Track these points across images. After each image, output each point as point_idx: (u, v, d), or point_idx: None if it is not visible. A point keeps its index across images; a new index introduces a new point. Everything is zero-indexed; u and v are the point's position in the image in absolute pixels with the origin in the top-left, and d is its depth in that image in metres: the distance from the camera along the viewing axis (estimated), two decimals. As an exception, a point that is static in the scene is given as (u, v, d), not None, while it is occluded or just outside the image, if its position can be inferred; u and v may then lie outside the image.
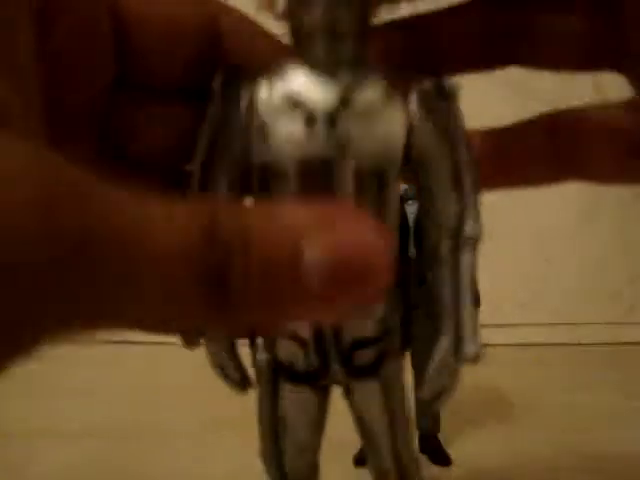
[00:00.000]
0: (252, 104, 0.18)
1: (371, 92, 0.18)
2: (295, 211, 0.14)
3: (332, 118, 0.18)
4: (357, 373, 0.23)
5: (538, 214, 2.31)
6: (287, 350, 0.23)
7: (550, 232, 2.38)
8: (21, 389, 1.95)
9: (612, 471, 1.40)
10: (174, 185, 0.20)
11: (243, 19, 0.20)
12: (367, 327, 0.22)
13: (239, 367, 0.24)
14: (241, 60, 0.19)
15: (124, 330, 0.13)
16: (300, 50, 0.18)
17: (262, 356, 0.24)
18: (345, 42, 0.17)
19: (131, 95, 0.19)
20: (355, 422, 0.25)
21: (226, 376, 0.24)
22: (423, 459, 1.44)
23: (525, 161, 0.21)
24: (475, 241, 0.20)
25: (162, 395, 1.78)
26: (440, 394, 0.23)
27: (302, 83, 0.18)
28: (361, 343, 0.22)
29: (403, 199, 1.42)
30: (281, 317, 0.15)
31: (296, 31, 0.18)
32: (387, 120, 0.18)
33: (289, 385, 0.24)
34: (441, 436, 1.42)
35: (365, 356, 0.23)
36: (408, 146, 0.19)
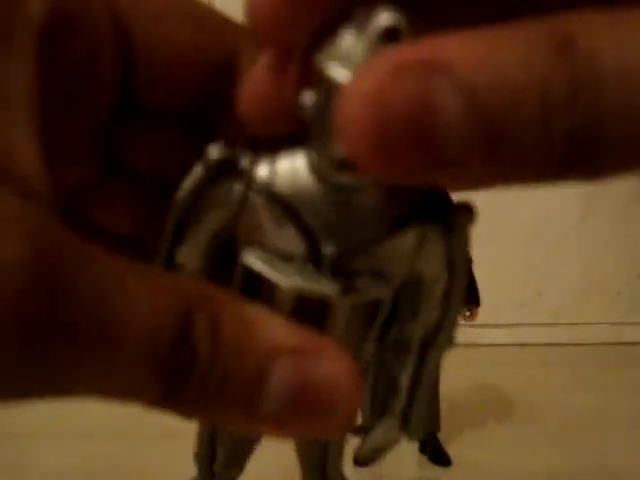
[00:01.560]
0: (245, 197, 0.17)
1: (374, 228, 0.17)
2: (275, 328, 0.14)
3: (337, 260, 0.17)
4: None
5: (538, 214, 2.31)
6: None
7: (550, 232, 2.38)
8: None
9: (612, 471, 1.40)
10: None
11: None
12: None
13: None
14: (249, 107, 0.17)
15: (75, 396, 0.13)
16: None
17: None
18: None
19: (135, 119, 0.19)
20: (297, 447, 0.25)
21: None
22: (423, 459, 1.44)
23: None
24: (445, 350, 0.20)
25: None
26: (377, 452, 0.23)
27: (305, 198, 0.17)
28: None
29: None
30: (231, 425, 0.15)
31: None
32: (389, 256, 0.17)
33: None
34: (441, 436, 1.42)
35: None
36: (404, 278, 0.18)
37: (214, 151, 0.17)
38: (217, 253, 0.18)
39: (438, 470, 1.40)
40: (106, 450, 1.45)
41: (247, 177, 0.17)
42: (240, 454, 0.21)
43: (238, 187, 0.17)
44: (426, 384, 0.20)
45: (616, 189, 2.32)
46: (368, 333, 0.18)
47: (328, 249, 0.16)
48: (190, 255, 0.18)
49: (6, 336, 0.11)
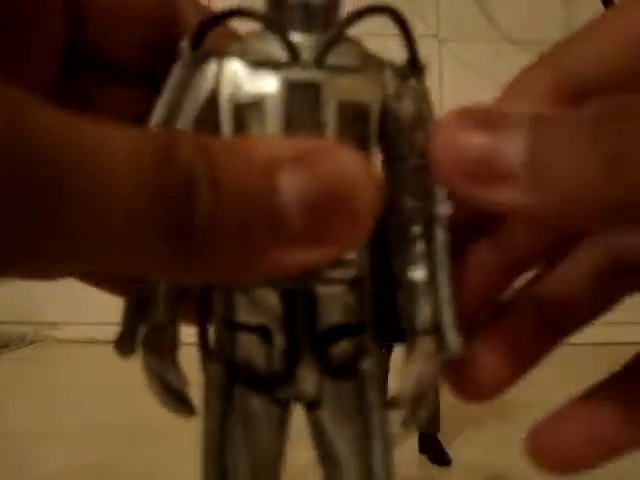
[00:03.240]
0: (220, 75, 0.17)
1: (347, 54, 0.18)
2: (269, 143, 0.12)
3: (318, 58, 0.17)
4: (332, 371, 0.19)
5: (538, 214, 2.30)
6: (245, 346, 0.20)
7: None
8: (21, 389, 1.95)
9: (612, 470, 1.40)
10: None
11: (198, 5, 0.18)
12: (343, 311, 0.19)
13: (179, 376, 0.21)
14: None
15: (78, 270, 0.11)
16: (273, 17, 0.17)
17: (215, 368, 0.21)
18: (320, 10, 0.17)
19: (85, 76, 0.18)
20: (317, 445, 0.21)
21: (164, 385, 0.21)
22: (423, 459, 1.44)
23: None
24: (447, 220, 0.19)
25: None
26: (419, 397, 0.21)
27: (278, 47, 0.17)
28: (338, 331, 0.19)
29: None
30: (256, 262, 0.12)
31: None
32: (365, 80, 0.18)
33: (243, 390, 0.20)
34: (441, 436, 1.42)
35: (341, 349, 0.19)
36: (383, 115, 0.18)
37: (185, 42, 0.17)
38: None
39: (438, 470, 1.40)
40: (107, 450, 1.45)
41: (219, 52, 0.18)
42: (265, 458, 0.18)
43: (213, 66, 0.17)
44: (446, 275, 0.18)
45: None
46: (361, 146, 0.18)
47: (307, 54, 0.17)
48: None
49: None
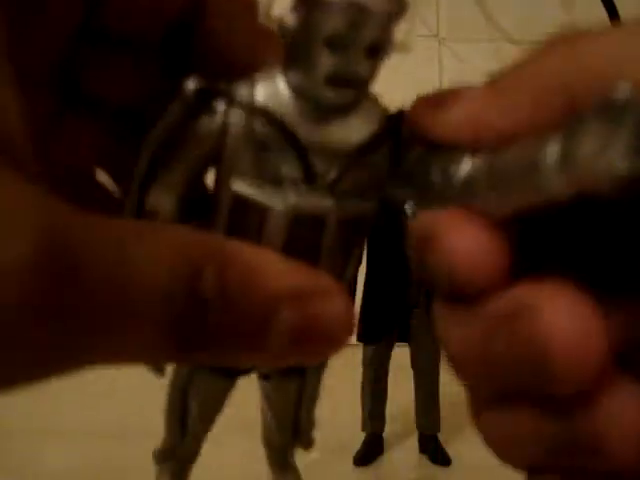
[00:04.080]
0: (227, 120, 0.17)
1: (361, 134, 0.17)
2: (277, 271, 0.14)
3: (335, 180, 0.17)
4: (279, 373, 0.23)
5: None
6: None
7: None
8: (21, 389, 1.95)
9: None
10: (129, 139, 0.19)
11: None
12: None
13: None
14: (216, 39, 0.17)
15: (91, 365, 0.13)
16: (294, 67, 0.16)
17: None
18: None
19: (100, 47, 0.18)
20: (263, 401, 0.27)
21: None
22: (423, 459, 1.44)
23: None
24: None
25: (163, 395, 1.78)
26: None
27: (294, 114, 0.16)
28: None
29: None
30: (241, 364, 0.16)
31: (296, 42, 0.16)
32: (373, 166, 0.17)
33: (205, 375, 0.24)
34: (441, 436, 1.42)
35: None
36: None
37: (191, 83, 0.16)
38: (191, 197, 0.17)
39: (438, 470, 1.40)
40: (107, 450, 1.45)
41: (228, 95, 0.16)
42: (214, 405, 0.22)
43: (219, 108, 0.16)
44: None
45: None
46: (352, 253, 0.18)
47: (321, 167, 0.16)
48: (164, 198, 0.17)
49: (13, 318, 0.11)
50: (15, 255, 0.11)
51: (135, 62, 0.18)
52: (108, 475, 1.37)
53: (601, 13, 1.64)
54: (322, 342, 0.15)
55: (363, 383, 1.47)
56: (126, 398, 1.73)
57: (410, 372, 1.23)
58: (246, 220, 0.17)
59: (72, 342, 0.12)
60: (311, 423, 0.25)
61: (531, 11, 2.27)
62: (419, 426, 1.43)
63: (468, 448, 1.42)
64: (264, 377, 0.22)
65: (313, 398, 0.24)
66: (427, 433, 1.43)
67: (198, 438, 0.25)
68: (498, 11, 2.30)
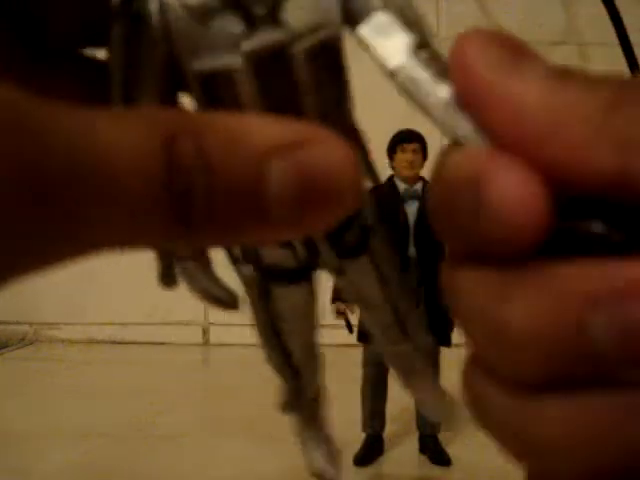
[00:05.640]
0: (165, 10, 0.17)
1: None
2: (260, 128, 0.13)
3: (274, 14, 0.17)
4: (348, 253, 0.23)
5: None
6: (272, 255, 0.23)
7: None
8: (21, 389, 1.96)
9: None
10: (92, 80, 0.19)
11: None
12: None
13: (222, 286, 0.24)
14: None
15: (86, 254, 0.13)
16: None
17: (246, 269, 0.24)
18: None
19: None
20: (352, 296, 0.26)
21: (212, 298, 0.24)
22: (423, 459, 1.44)
23: None
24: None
25: (162, 395, 1.78)
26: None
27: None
28: (346, 223, 0.22)
29: (403, 199, 1.42)
30: (242, 237, 0.14)
31: None
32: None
33: (280, 288, 0.24)
34: (441, 436, 1.42)
35: (352, 235, 0.23)
36: None
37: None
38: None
39: (438, 470, 1.40)
40: (106, 450, 1.45)
41: None
42: (307, 323, 0.22)
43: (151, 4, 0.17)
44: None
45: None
46: (335, 93, 0.18)
47: (259, 10, 0.17)
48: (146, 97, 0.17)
49: None
50: None
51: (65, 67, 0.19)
52: (108, 475, 1.37)
53: (601, 13, 1.64)
54: (325, 197, 0.13)
55: (363, 383, 1.47)
56: (126, 399, 1.73)
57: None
58: (219, 95, 0.17)
59: (53, 231, 0.12)
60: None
61: (531, 11, 2.27)
62: (419, 426, 1.43)
63: (468, 448, 1.41)
64: (337, 272, 0.22)
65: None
66: (427, 433, 1.43)
67: (311, 370, 0.24)
68: (498, 11, 2.30)
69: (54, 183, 0.11)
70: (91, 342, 2.53)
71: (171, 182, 0.12)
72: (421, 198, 1.39)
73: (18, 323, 2.56)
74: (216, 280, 0.23)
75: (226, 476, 1.29)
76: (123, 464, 1.38)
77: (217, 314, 2.35)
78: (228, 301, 0.24)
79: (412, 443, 1.41)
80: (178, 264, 0.22)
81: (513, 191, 0.13)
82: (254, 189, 0.13)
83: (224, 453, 1.35)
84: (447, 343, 1.30)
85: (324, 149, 0.13)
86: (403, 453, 1.47)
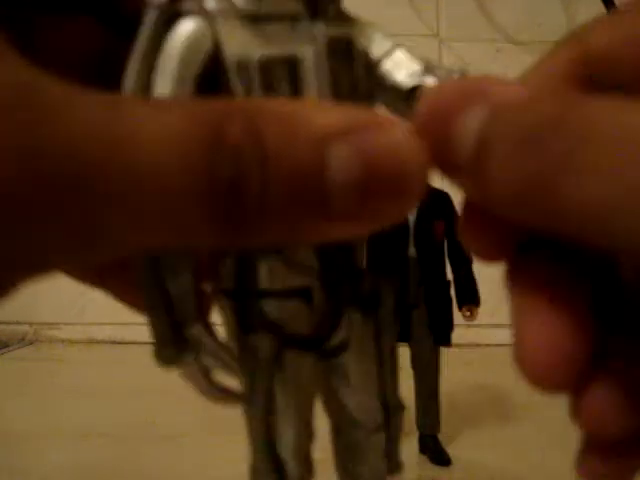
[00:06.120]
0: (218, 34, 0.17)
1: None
2: (318, 113, 0.12)
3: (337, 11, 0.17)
4: (367, 303, 0.23)
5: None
6: (281, 310, 0.23)
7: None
8: (21, 389, 1.95)
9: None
10: None
11: None
12: (358, 255, 0.21)
13: (222, 388, 0.23)
14: None
15: (123, 255, 0.11)
16: None
17: (259, 337, 0.23)
18: None
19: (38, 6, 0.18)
20: (328, 389, 0.26)
21: (214, 399, 0.24)
22: (423, 459, 1.44)
23: None
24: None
25: (162, 395, 1.78)
26: None
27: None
28: (359, 272, 0.22)
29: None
30: (302, 235, 0.12)
31: None
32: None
33: (292, 355, 0.24)
34: (441, 436, 1.42)
35: (370, 282, 0.23)
36: None
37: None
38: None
39: (438, 470, 1.40)
40: (107, 450, 1.45)
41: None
42: (305, 448, 0.20)
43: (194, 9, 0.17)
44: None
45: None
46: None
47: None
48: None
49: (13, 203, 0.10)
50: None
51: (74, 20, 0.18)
52: (108, 476, 1.37)
53: (601, 13, 1.64)
54: (392, 185, 0.12)
55: (363, 383, 1.47)
56: (126, 399, 1.73)
57: (410, 372, 1.23)
58: (275, 81, 0.17)
59: (105, 225, 0.11)
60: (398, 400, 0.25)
61: (531, 11, 2.27)
62: (419, 426, 1.43)
63: (468, 448, 1.41)
64: (340, 348, 0.21)
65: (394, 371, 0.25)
66: (427, 433, 1.43)
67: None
68: (498, 11, 2.30)
69: (76, 186, 0.10)
70: (91, 342, 2.53)
71: (219, 173, 0.11)
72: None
73: (18, 323, 2.55)
74: (213, 382, 0.23)
75: (226, 476, 1.29)
76: (123, 464, 1.38)
77: (217, 314, 2.34)
78: (229, 400, 0.24)
79: (412, 443, 1.41)
80: (189, 331, 0.21)
81: None
82: (315, 178, 0.11)
83: (224, 453, 1.34)
84: (447, 343, 1.30)
85: (388, 133, 0.12)
86: (403, 453, 1.46)
